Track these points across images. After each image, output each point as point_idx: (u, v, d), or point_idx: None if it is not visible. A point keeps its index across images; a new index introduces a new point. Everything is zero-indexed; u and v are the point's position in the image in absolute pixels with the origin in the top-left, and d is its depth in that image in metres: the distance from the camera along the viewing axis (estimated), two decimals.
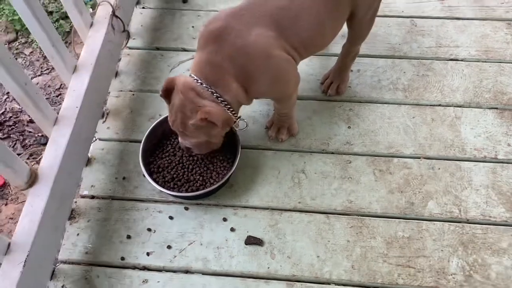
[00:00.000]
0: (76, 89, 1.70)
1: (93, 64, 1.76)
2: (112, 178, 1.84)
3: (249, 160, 1.85)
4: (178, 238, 1.70)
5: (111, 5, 1.89)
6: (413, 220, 1.70)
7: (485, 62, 2.06)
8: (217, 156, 1.80)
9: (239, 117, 1.64)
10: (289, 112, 1.80)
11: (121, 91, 2.08)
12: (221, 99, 1.50)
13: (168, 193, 1.71)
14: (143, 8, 2.36)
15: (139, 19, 2.32)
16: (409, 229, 1.68)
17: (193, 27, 2.26)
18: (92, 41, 1.82)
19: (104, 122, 1.99)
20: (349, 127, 1.91)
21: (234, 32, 1.44)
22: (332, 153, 1.86)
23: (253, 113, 1.97)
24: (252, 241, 1.68)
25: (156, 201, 1.79)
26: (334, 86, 1.98)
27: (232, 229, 1.71)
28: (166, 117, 1.65)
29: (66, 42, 2.47)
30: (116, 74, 2.12)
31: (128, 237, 1.71)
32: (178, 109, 1.51)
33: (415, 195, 1.74)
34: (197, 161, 1.79)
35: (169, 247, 1.68)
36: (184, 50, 2.19)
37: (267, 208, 1.75)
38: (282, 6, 1.49)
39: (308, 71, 2.07)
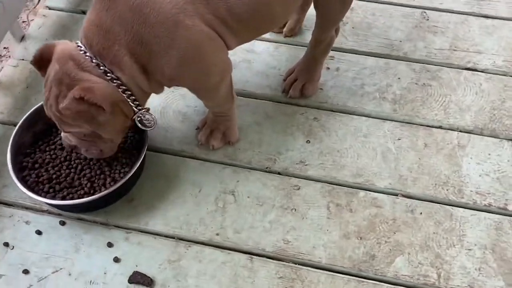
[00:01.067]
0: None
1: None
2: None
3: (164, 169, 1.61)
4: (42, 262, 1.46)
5: None
6: (369, 281, 1.44)
7: None
8: (118, 158, 1.53)
9: (146, 109, 1.39)
10: (227, 111, 1.57)
11: (22, 59, 1.88)
12: (112, 75, 1.27)
13: (34, 198, 1.44)
14: None
15: None
16: None
17: None
18: None
19: None
20: (308, 142, 1.67)
21: None
22: (278, 173, 1.62)
23: (186, 108, 1.72)
24: (139, 279, 1.42)
25: (26, 208, 1.55)
26: (298, 85, 1.73)
27: (117, 259, 1.46)
28: None
29: None
30: (22, 39, 1.93)
31: None
32: (51, 85, 1.29)
33: (379, 245, 1.49)
34: (90, 160, 1.52)
35: (26, 271, 1.43)
36: None
37: (172, 237, 1.51)
38: None
39: (270, 63, 1.83)
